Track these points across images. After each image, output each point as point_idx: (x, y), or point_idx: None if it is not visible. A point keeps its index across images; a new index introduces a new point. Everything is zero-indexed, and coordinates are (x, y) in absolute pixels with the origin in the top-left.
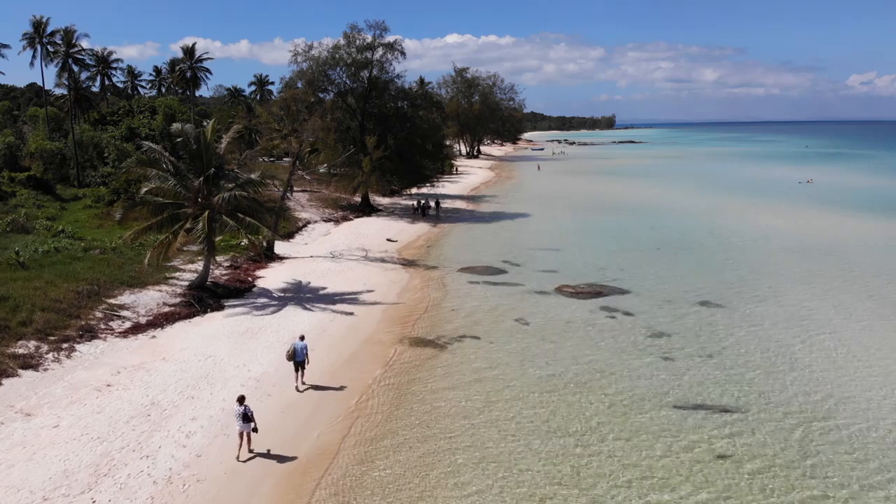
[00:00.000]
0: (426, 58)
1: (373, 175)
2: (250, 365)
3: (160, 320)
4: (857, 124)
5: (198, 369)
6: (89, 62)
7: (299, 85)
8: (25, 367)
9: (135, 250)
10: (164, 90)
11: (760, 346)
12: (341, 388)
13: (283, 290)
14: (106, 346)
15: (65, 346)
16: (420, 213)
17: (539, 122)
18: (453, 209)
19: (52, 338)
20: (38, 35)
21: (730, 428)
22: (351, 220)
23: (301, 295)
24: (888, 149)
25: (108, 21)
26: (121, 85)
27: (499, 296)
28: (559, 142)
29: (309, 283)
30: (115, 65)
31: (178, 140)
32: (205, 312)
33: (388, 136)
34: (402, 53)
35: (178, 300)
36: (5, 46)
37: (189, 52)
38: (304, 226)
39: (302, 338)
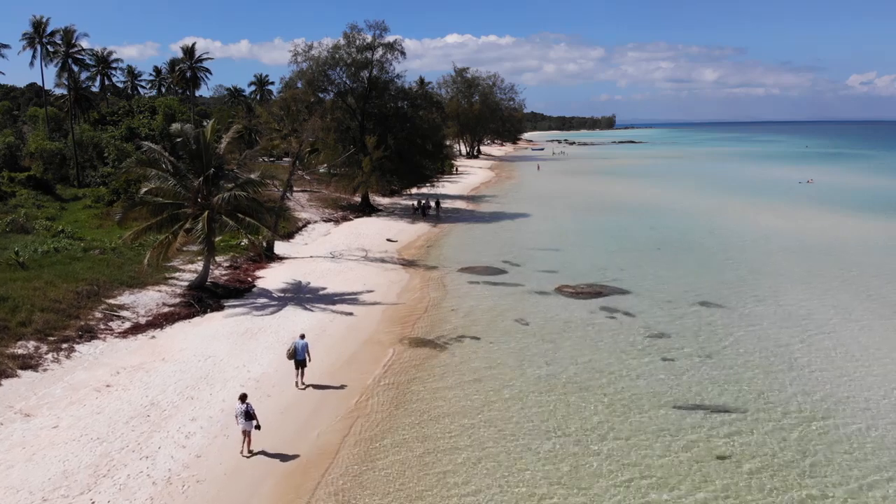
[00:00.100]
0: (426, 58)
1: (373, 175)
2: (250, 365)
3: (160, 321)
4: (857, 124)
5: (197, 370)
6: (89, 62)
7: (299, 85)
8: (25, 367)
9: (134, 250)
10: (164, 90)
11: (759, 346)
12: (341, 388)
13: (283, 291)
14: (105, 347)
15: (64, 346)
16: (420, 213)
17: (539, 122)
18: (453, 209)
19: (51, 338)
20: (37, 35)
21: (729, 427)
22: (351, 220)
23: (301, 295)
24: (888, 149)
25: (108, 21)
26: (121, 85)
27: (498, 296)
28: (559, 142)
29: (309, 283)
30: (115, 65)
31: (178, 140)
32: (204, 313)
33: (388, 136)
34: (402, 53)
35: (177, 300)
36: (5, 46)
37: (189, 52)
38: (304, 226)
39: (302, 336)
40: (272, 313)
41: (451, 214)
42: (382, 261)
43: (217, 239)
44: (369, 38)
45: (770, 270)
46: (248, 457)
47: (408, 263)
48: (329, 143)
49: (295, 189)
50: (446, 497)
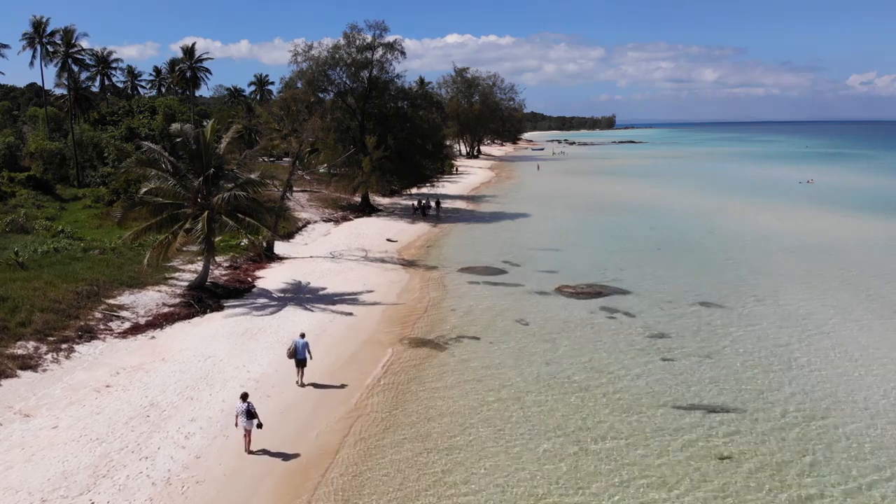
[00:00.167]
0: (426, 58)
1: (373, 175)
2: (250, 366)
3: (159, 321)
4: (857, 124)
5: (197, 370)
6: (89, 62)
7: (299, 85)
8: (24, 367)
9: (134, 251)
10: (164, 90)
11: (759, 345)
12: (341, 388)
13: (283, 291)
14: (105, 347)
15: (64, 346)
16: (420, 213)
17: (539, 122)
18: (453, 209)
19: (51, 338)
20: (37, 35)
21: (728, 427)
22: (351, 220)
23: (301, 295)
24: (888, 149)
25: (108, 21)
26: (121, 85)
27: (498, 296)
28: (559, 142)
29: (309, 283)
30: (114, 65)
31: (178, 140)
32: (204, 313)
33: (388, 136)
34: (402, 53)
35: (177, 300)
36: (5, 46)
37: (189, 52)
38: (304, 226)
39: (303, 335)
40: (272, 313)
41: (451, 214)
42: (382, 261)
43: (217, 239)
44: (369, 38)
45: (770, 270)
46: (249, 453)
47: (408, 263)
48: (329, 143)
49: (295, 189)
50: (445, 496)
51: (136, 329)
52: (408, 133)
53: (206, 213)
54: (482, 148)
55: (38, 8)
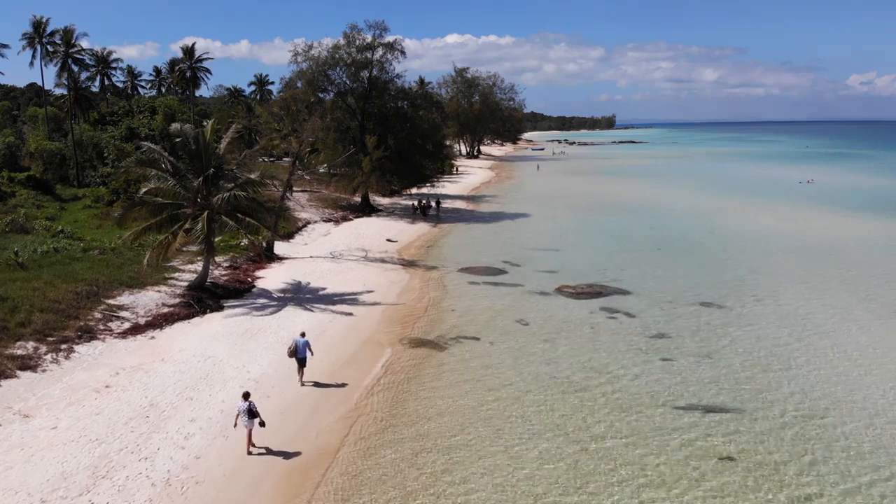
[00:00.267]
0: (426, 58)
1: (373, 175)
2: (249, 366)
3: (159, 321)
4: (857, 124)
5: (197, 370)
6: (89, 62)
7: (299, 85)
8: (24, 368)
9: (134, 251)
10: (163, 90)
11: (758, 345)
12: (341, 388)
13: (283, 291)
14: (105, 347)
15: (63, 347)
16: (420, 213)
17: (539, 122)
18: (453, 209)
19: (50, 339)
20: (37, 35)
21: (727, 426)
22: (351, 220)
23: (301, 295)
24: (888, 149)
25: (108, 21)
26: (121, 85)
27: (498, 296)
28: (559, 142)
29: (309, 283)
30: (114, 65)
31: (178, 140)
32: (204, 313)
33: (388, 136)
34: (402, 53)
35: (177, 301)
36: (5, 46)
37: (189, 52)
38: (304, 226)
39: (303, 334)
40: (272, 314)
41: (451, 214)
42: (382, 261)
43: (217, 239)
44: (369, 38)
45: (769, 270)
46: (253, 453)
47: (408, 263)
48: (329, 143)
49: (295, 189)
50: (444, 496)
51: (135, 329)
52: (408, 133)
53: (205, 213)
54: (482, 148)
55: (38, 8)
